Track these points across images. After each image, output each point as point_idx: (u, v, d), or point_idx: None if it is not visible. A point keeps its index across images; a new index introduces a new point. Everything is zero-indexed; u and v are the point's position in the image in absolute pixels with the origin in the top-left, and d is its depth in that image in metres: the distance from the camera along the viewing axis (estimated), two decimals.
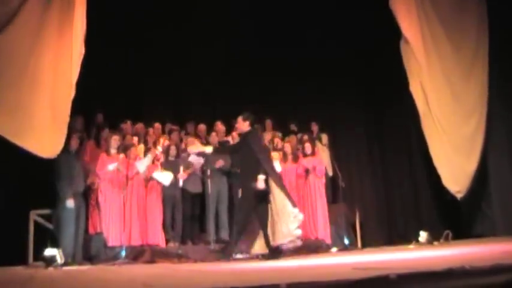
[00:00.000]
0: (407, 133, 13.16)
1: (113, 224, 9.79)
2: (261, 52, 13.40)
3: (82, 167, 9.93)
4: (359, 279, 3.42)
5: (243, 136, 9.28)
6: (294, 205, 8.81)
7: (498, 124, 11.45)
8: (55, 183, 9.26)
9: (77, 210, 9.31)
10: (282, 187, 8.94)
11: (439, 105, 11.45)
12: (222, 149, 10.27)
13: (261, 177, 8.67)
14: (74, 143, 9.55)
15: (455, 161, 11.42)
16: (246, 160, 8.99)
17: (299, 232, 8.83)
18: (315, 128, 12.57)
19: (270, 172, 8.90)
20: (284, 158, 11.33)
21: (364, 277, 3.46)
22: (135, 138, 10.83)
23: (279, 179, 9.12)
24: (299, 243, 9.07)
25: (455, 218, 11.99)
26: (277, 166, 10.86)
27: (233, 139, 11.49)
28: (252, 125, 9.33)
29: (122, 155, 9.96)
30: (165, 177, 10.14)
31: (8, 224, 10.28)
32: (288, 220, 8.69)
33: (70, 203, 9.17)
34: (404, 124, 13.13)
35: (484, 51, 11.53)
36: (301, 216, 8.82)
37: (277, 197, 8.86)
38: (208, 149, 9.59)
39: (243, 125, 9.26)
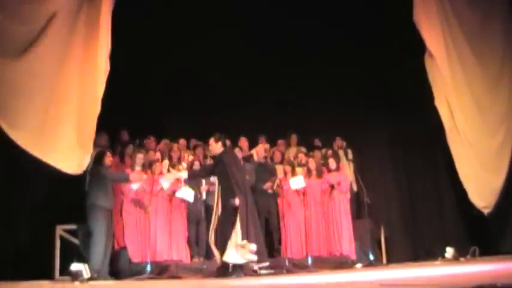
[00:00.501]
0: (433, 148, 13.06)
1: (138, 240, 9.82)
2: (286, 67, 13.42)
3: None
4: None
5: (218, 157, 9.21)
6: (244, 237, 8.65)
7: None
8: (88, 198, 9.20)
9: (107, 225, 9.33)
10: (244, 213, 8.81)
11: (465, 120, 11.38)
12: (197, 173, 10.12)
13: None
14: (109, 160, 9.57)
15: (481, 176, 11.33)
16: (223, 181, 8.99)
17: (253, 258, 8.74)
18: (340, 143, 12.52)
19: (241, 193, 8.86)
20: (308, 174, 11.29)
21: None
22: (158, 154, 10.86)
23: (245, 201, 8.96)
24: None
25: (482, 234, 11.86)
26: (301, 181, 10.84)
27: (257, 155, 11.50)
28: (224, 145, 9.41)
29: (145, 176, 10.00)
30: (188, 194, 10.15)
31: (35, 239, 10.39)
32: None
33: (103, 218, 9.17)
34: (429, 139, 13.04)
35: (510, 65, 11.46)
36: (253, 247, 8.69)
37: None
38: (184, 174, 9.68)
39: (215, 146, 9.28)
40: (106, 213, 9.26)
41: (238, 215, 8.66)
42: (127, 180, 9.68)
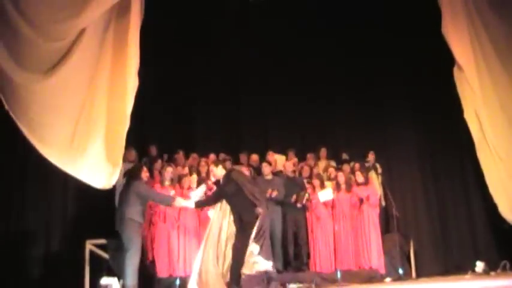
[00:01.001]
0: (462, 161, 12.98)
1: (166, 255, 9.85)
2: (317, 81, 13.43)
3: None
4: None
5: (225, 178, 9.19)
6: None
7: None
8: (123, 212, 9.03)
9: (142, 240, 9.37)
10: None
11: (495, 133, 11.29)
12: (205, 202, 9.86)
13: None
14: (145, 175, 9.55)
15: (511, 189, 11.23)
16: (237, 198, 8.94)
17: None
18: (371, 157, 12.45)
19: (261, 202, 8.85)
20: (337, 188, 11.25)
21: None
22: (187, 169, 10.90)
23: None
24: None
25: None
26: (330, 193, 10.82)
27: (286, 169, 11.50)
28: (224, 167, 9.45)
29: (173, 191, 10.03)
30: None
31: (65, 254, 10.49)
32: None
33: (138, 233, 9.14)
34: (459, 152, 12.96)
35: None
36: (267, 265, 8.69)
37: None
38: (190, 205, 9.56)
39: (217, 171, 9.34)
40: (140, 228, 9.23)
41: (257, 225, 8.65)
42: (169, 203, 9.55)
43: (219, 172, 9.28)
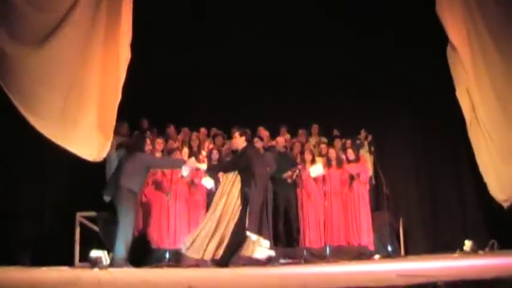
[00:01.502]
0: (454, 141, 13.01)
1: (157, 227, 9.88)
2: (310, 59, 13.39)
3: None
4: (406, 286, 3.39)
5: (242, 151, 9.19)
6: (250, 229, 8.67)
7: None
8: (120, 182, 8.99)
9: (135, 212, 9.42)
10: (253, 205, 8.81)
11: (486, 113, 11.31)
12: (217, 167, 10.08)
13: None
14: (148, 147, 9.60)
15: (502, 169, 11.26)
16: (244, 175, 8.98)
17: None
18: (363, 134, 12.48)
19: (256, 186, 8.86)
20: (328, 164, 11.28)
21: (411, 283, 3.43)
22: (178, 143, 10.90)
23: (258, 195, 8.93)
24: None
25: (502, 227, 11.80)
26: (320, 168, 10.83)
27: (278, 144, 11.51)
28: (247, 140, 9.34)
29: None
30: (208, 183, 10.15)
31: (55, 226, 10.50)
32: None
33: (133, 204, 9.19)
34: (450, 131, 12.98)
35: None
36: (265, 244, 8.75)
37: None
38: (203, 166, 9.63)
39: (239, 140, 9.25)
40: (136, 199, 9.25)
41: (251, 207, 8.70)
42: (181, 165, 9.54)
43: (241, 142, 9.22)
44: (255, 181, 8.76)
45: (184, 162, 9.46)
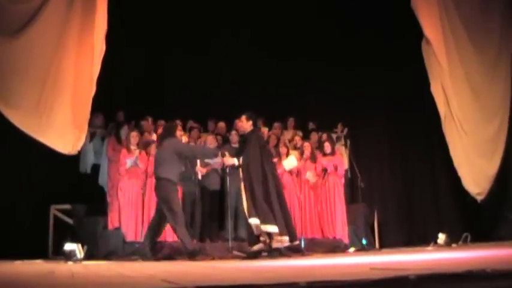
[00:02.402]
0: (428, 134, 13.10)
1: (132, 220, 9.85)
2: (285, 51, 13.38)
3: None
4: (379, 279, 3.41)
5: (247, 136, 9.21)
6: (251, 215, 8.70)
7: None
8: (160, 172, 8.92)
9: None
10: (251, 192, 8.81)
11: (460, 107, 11.40)
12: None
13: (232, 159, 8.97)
14: (180, 132, 9.61)
15: (476, 163, 11.37)
16: (245, 160, 8.95)
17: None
18: (340, 128, 12.53)
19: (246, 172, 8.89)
20: (302, 157, 11.29)
21: (384, 277, 3.45)
22: (154, 135, 10.87)
23: (248, 182, 8.92)
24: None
25: (475, 221, 11.93)
26: (294, 161, 10.85)
27: None
28: (254, 124, 9.32)
29: (137, 151, 10.00)
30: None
31: (29, 218, 10.44)
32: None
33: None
34: (425, 125, 13.08)
35: (507, 53, 11.51)
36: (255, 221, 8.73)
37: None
38: (235, 161, 9.37)
39: (246, 124, 9.22)
40: (176, 188, 9.11)
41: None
42: (212, 156, 9.59)
43: (247, 126, 9.22)
44: (255, 171, 8.77)
45: (216, 154, 9.45)
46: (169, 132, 9.26)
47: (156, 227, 8.98)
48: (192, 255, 8.59)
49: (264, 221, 8.56)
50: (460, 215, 12.51)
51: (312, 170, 11.19)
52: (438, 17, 11.41)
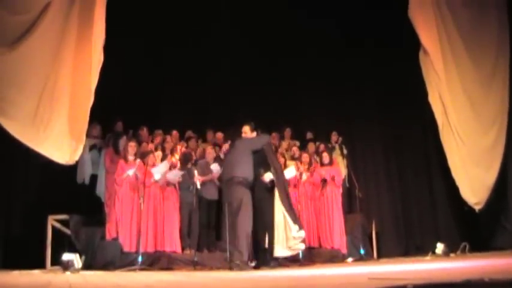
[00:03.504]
0: (426, 144, 13.13)
1: (130, 231, 9.82)
2: (282, 61, 13.41)
3: None
4: None
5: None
6: (295, 221, 8.77)
7: None
8: (232, 173, 8.79)
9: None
10: (285, 200, 8.91)
11: (458, 117, 11.43)
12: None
13: (269, 174, 8.89)
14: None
15: (474, 173, 11.39)
16: (277, 171, 9.09)
17: (302, 246, 8.92)
18: (334, 138, 12.54)
19: (279, 182, 8.89)
20: (300, 167, 11.29)
21: (382, 287, 3.45)
22: (152, 145, 10.86)
23: (284, 190, 9.06)
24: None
25: (473, 230, 11.94)
26: (293, 171, 10.85)
27: None
28: (258, 135, 9.37)
29: (138, 161, 10.00)
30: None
31: (27, 229, 10.42)
32: (287, 236, 8.78)
33: None
34: (422, 135, 13.10)
35: (505, 64, 11.56)
36: (302, 233, 8.87)
37: (277, 209, 8.95)
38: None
39: (251, 135, 9.26)
40: (249, 188, 8.85)
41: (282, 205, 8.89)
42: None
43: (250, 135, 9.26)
44: (277, 177, 8.92)
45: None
46: (238, 134, 9.26)
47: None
48: (238, 267, 8.26)
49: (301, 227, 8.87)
50: (458, 225, 12.53)
51: (310, 180, 11.21)
52: (435, 27, 11.46)
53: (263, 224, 9.01)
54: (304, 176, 11.15)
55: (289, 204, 8.97)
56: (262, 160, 9.09)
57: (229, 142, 10.98)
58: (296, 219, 8.92)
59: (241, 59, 13.23)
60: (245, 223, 8.51)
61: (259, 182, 9.44)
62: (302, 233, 8.88)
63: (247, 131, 9.26)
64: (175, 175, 10.21)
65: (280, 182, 8.98)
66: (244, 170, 8.76)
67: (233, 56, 13.20)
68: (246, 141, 9.14)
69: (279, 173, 8.99)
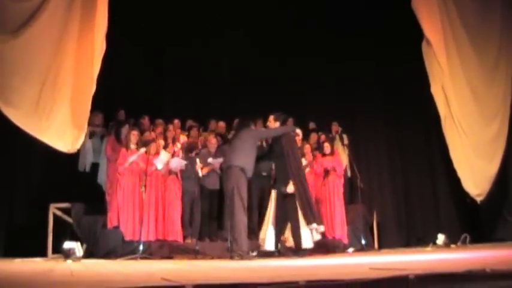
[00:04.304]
0: (428, 135, 13.12)
1: (131, 219, 9.83)
2: (285, 51, 13.37)
3: None
4: (378, 279, 3.41)
5: (276, 138, 9.24)
6: (310, 221, 8.79)
7: None
8: (240, 162, 8.66)
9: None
10: (302, 199, 8.90)
11: (461, 108, 11.41)
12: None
13: (291, 187, 8.79)
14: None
15: (476, 164, 11.38)
16: (278, 163, 9.08)
17: (318, 237, 8.95)
18: (336, 128, 12.51)
19: (295, 180, 8.90)
20: (302, 157, 11.27)
21: (383, 277, 3.45)
22: (153, 134, 10.85)
23: (302, 187, 9.03)
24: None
25: (474, 222, 11.95)
26: None
27: None
28: (283, 125, 9.35)
29: (142, 149, 9.99)
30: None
31: (28, 217, 10.43)
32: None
33: None
34: (424, 126, 13.09)
35: (508, 56, 11.53)
36: (321, 229, 8.91)
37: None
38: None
39: (274, 125, 9.29)
40: (246, 180, 8.77)
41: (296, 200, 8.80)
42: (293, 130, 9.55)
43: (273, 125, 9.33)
44: (291, 172, 8.85)
45: (294, 130, 9.55)
46: (246, 123, 9.18)
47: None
48: (239, 256, 8.25)
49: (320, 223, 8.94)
50: (459, 216, 12.53)
51: (312, 170, 11.22)
52: (439, 19, 11.43)
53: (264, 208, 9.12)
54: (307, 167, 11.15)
55: (306, 200, 8.90)
56: (272, 154, 9.17)
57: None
58: (311, 217, 8.85)
59: (243, 49, 13.19)
60: (239, 212, 8.44)
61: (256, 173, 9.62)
62: (321, 228, 8.90)
63: (271, 121, 9.33)
64: (179, 164, 10.21)
65: (296, 177, 8.93)
66: (243, 159, 8.69)
67: (235, 45, 13.17)
68: (251, 131, 9.11)
69: (293, 168, 8.94)
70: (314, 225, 8.71)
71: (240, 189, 8.51)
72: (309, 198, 8.93)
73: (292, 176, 8.81)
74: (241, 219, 8.43)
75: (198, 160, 10.34)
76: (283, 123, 9.35)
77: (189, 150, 10.53)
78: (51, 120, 9.02)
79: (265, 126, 9.96)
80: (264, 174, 10.98)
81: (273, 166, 9.71)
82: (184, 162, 10.24)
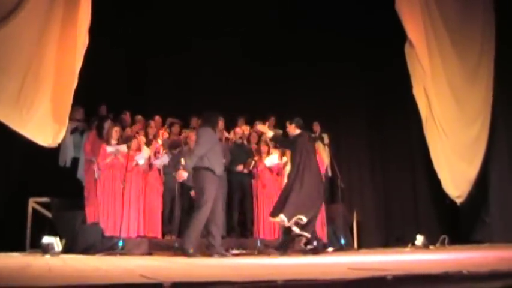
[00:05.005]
0: (409, 136, 13.18)
1: (111, 215, 9.80)
2: (267, 50, 13.38)
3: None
4: (356, 279, 3.42)
5: (294, 138, 9.50)
6: (275, 214, 8.95)
7: (501, 131, 11.51)
8: (202, 163, 8.56)
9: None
10: (283, 192, 9.07)
11: (442, 110, 11.47)
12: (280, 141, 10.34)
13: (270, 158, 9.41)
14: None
15: (456, 166, 11.45)
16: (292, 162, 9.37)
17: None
18: (317, 128, 12.52)
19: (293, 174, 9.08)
20: (283, 155, 11.30)
21: (361, 277, 3.46)
22: (134, 129, 10.83)
23: (291, 183, 9.15)
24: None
25: (453, 223, 12.02)
26: (276, 158, 10.92)
27: (235, 135, 11.53)
28: (300, 128, 9.58)
29: (123, 145, 9.95)
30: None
31: (7, 211, 10.35)
32: None
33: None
34: (406, 127, 13.14)
35: (489, 57, 11.58)
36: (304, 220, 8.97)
37: None
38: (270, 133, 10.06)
39: (291, 128, 9.58)
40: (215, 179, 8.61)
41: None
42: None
43: (292, 130, 9.66)
44: (296, 171, 9.09)
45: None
46: (207, 122, 8.93)
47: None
48: (183, 252, 8.28)
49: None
50: (439, 217, 12.60)
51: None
52: (422, 20, 11.48)
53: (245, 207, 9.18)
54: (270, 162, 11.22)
55: (284, 194, 9.12)
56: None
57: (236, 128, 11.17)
58: (277, 210, 8.94)
59: (227, 46, 13.20)
60: (203, 217, 8.39)
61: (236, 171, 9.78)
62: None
63: (287, 125, 9.75)
64: (162, 161, 10.20)
65: (294, 173, 9.18)
66: (210, 160, 8.55)
67: (218, 43, 13.17)
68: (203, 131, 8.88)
69: (297, 164, 9.16)
70: (282, 216, 8.74)
71: (209, 189, 8.42)
72: (287, 194, 9.01)
73: (293, 171, 9.13)
74: (206, 214, 8.38)
75: (182, 160, 10.31)
76: (299, 127, 9.61)
77: (172, 147, 10.50)
78: (31, 114, 8.96)
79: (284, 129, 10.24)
80: (245, 171, 11.00)
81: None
82: (168, 159, 10.23)
